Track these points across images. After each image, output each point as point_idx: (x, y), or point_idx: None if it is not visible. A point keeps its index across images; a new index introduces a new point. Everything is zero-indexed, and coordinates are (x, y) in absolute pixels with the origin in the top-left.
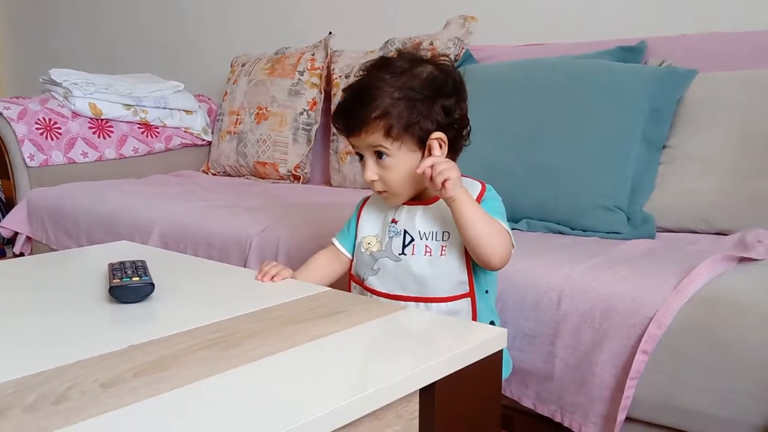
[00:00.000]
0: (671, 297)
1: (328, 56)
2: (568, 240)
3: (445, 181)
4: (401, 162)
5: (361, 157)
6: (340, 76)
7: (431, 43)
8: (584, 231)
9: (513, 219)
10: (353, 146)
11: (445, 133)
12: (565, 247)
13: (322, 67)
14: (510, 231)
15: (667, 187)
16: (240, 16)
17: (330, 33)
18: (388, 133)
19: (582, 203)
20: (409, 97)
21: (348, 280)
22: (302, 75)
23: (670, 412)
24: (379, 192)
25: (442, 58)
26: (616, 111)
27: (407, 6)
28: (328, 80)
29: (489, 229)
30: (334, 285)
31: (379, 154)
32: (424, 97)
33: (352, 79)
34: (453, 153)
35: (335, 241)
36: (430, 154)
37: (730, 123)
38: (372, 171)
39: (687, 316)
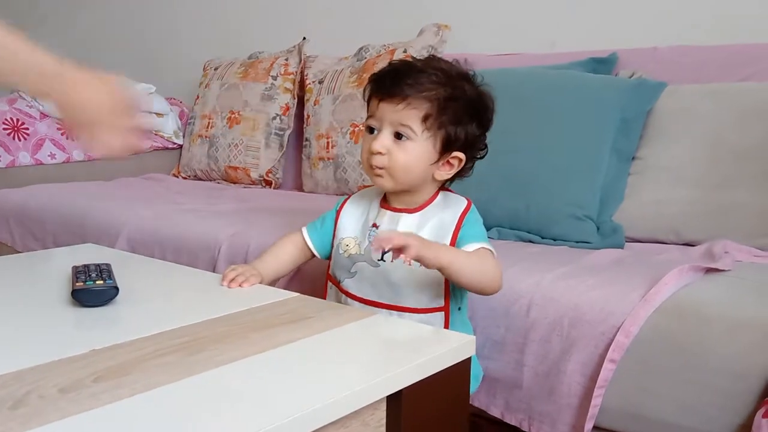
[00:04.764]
0: (639, 306)
1: (302, 61)
2: (539, 248)
3: (400, 249)
4: (418, 150)
5: (371, 131)
6: (313, 82)
7: (405, 51)
8: (554, 240)
9: (484, 227)
10: (372, 115)
11: (464, 154)
12: (535, 256)
13: (296, 73)
14: (493, 251)
15: (636, 198)
16: (213, 19)
17: (304, 38)
18: (425, 119)
19: (553, 212)
20: (458, 100)
21: (325, 280)
22: (275, 80)
23: (637, 421)
24: (376, 167)
25: (487, 90)
26: (587, 121)
27: (381, 13)
28: (302, 85)
29: (476, 271)
30: (314, 286)
31: (398, 135)
32: (468, 111)
33: (328, 84)
34: (457, 176)
35: (305, 233)
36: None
37: (699, 135)
38: (383, 143)
39: (654, 325)
